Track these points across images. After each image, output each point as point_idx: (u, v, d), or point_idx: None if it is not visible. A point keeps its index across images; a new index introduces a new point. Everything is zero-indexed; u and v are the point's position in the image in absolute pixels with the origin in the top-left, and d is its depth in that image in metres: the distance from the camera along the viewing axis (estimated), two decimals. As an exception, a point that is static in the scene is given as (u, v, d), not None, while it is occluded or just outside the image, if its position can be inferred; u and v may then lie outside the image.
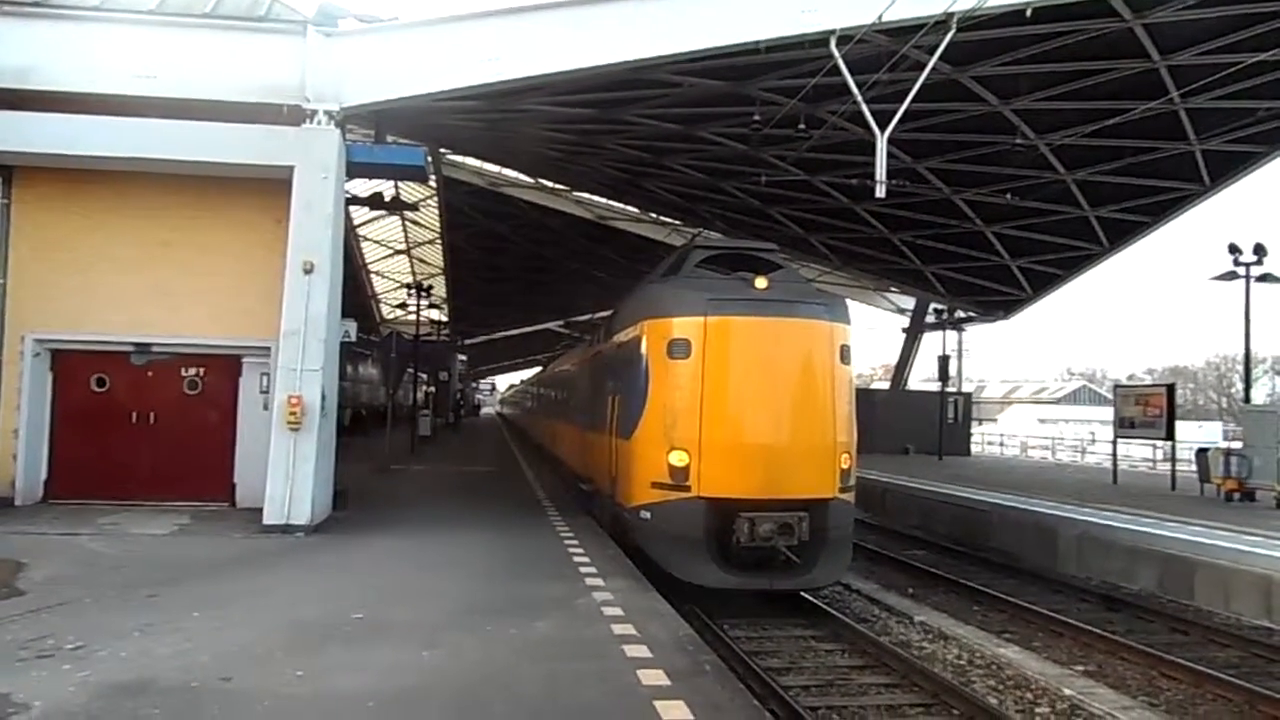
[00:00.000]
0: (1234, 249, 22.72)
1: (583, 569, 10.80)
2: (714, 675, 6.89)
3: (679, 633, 8.08)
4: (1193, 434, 39.71)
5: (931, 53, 13.66)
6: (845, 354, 11.55)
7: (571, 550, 12.09)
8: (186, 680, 6.36)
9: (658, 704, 6.10)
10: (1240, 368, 30.41)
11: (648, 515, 11.20)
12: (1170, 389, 24.56)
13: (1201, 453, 21.63)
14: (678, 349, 11.10)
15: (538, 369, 47.01)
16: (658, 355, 11.37)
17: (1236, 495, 19.57)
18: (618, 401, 12.84)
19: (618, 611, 8.69)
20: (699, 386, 10.96)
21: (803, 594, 11.88)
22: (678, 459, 10.85)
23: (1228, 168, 22.94)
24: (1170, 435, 23.67)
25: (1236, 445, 22.91)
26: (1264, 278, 22.86)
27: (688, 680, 6.66)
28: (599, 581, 10.05)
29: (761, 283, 11.36)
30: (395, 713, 5.91)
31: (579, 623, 8.33)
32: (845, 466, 11.28)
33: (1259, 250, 22.51)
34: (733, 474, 10.84)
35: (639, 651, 7.36)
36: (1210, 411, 73.97)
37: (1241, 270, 22.68)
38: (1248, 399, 28.09)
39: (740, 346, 11.13)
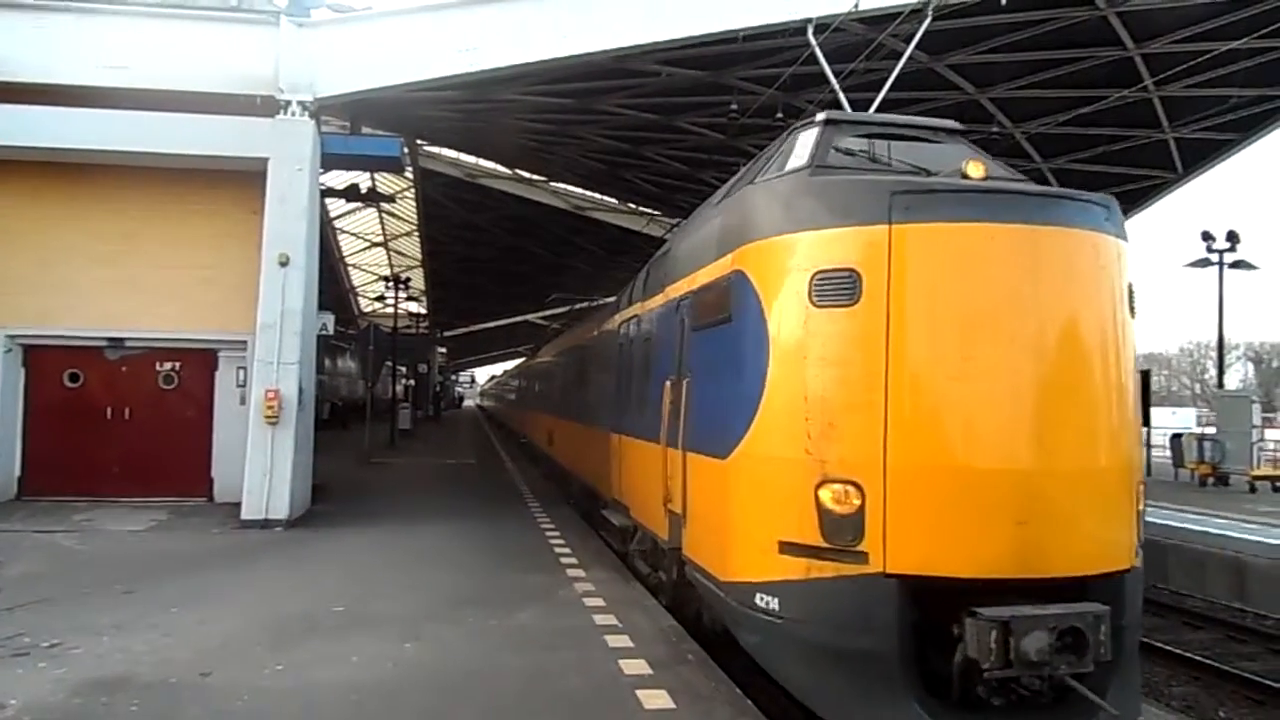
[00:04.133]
0: (1207, 236, 23.00)
1: (564, 560, 10.80)
2: (696, 664, 6.90)
3: (661, 623, 8.09)
4: (1167, 420, 40.14)
5: (908, 41, 13.62)
6: (1132, 297, 6.56)
7: (553, 541, 12.09)
8: (165, 676, 6.31)
9: (640, 693, 6.12)
10: (1214, 354, 30.73)
11: (772, 603, 6.11)
12: (1145, 375, 24.80)
13: (1175, 438, 21.88)
14: (832, 288, 6.09)
15: (521, 360, 46.63)
16: (786, 305, 6.35)
17: (1210, 480, 19.83)
18: (686, 394, 7.85)
19: (599, 602, 8.70)
20: (880, 360, 5.90)
21: None
22: (837, 500, 5.86)
23: (1201, 155, 23.11)
24: (1145, 421, 23.93)
25: (1210, 431, 23.19)
26: (1237, 264, 23.17)
27: (670, 669, 6.68)
28: (580, 573, 10.06)
29: (977, 168, 6.61)
30: (377, 704, 5.89)
31: (561, 613, 8.33)
32: (1141, 506, 6.43)
33: (1232, 237, 22.82)
34: (955, 529, 5.76)
35: (621, 641, 7.37)
36: (1184, 398, 74.82)
37: (1215, 257, 22.96)
38: (1221, 385, 28.46)
39: (965, 279, 5.98)
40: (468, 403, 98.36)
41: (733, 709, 5.93)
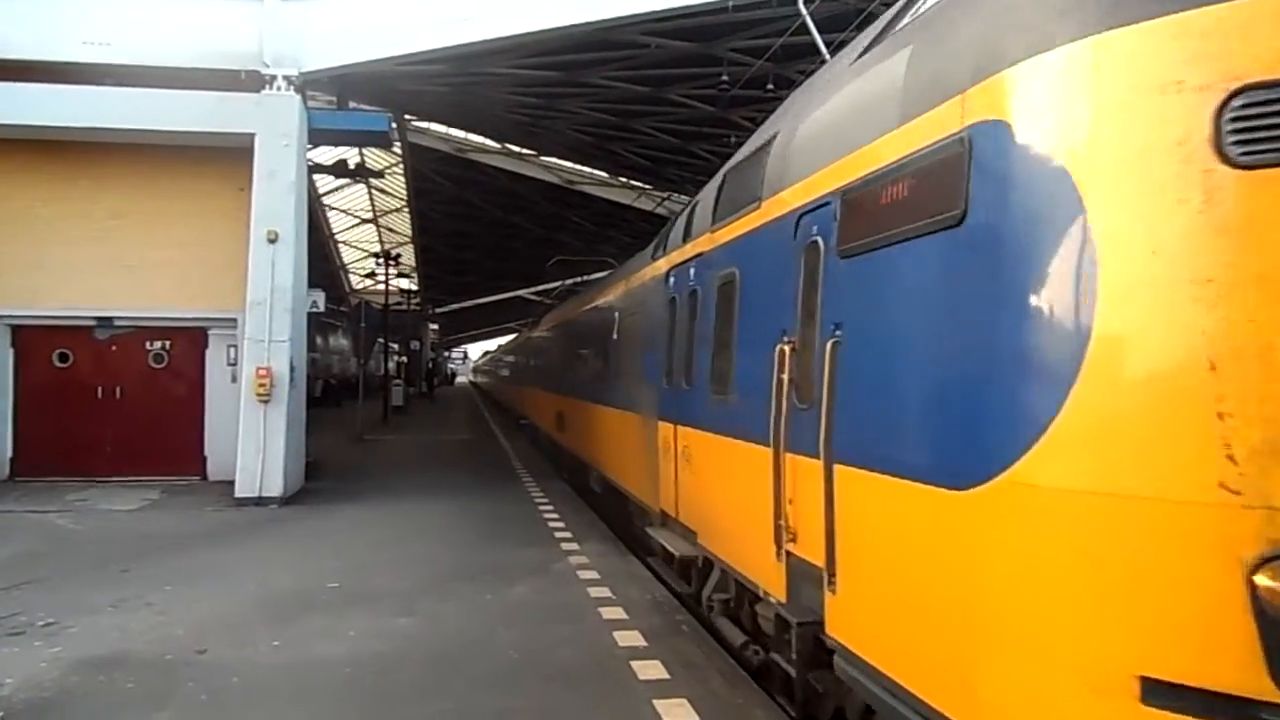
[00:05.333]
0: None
1: (558, 534, 10.85)
2: (689, 635, 6.95)
3: (655, 594, 8.13)
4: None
5: (899, 10, 13.60)
6: None
7: (546, 516, 12.14)
8: (161, 653, 6.33)
9: (634, 664, 6.16)
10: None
11: None
12: None
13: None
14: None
15: (516, 334, 46.37)
16: (1140, 173, 2.90)
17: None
18: (830, 365, 4.46)
19: (594, 575, 8.75)
20: None
21: None
22: None
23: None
24: None
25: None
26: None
27: (664, 640, 6.72)
28: (574, 546, 10.11)
29: None
30: (373, 678, 5.92)
31: (555, 587, 8.37)
32: None
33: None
34: None
35: (615, 614, 7.41)
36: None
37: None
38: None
39: None
40: (461, 379, 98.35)
41: (726, 679, 5.97)
